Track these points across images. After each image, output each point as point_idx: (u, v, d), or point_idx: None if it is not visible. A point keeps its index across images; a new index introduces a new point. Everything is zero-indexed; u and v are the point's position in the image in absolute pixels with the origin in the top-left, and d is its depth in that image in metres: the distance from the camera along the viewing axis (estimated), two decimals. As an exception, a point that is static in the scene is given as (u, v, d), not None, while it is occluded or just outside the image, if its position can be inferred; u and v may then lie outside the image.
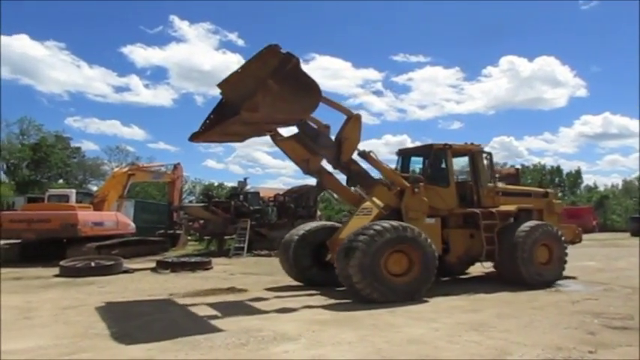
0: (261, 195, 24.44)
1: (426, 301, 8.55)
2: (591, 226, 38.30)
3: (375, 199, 9.93)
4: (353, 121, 9.56)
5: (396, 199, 10.05)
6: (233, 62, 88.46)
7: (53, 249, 16.11)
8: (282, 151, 9.54)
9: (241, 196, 22.09)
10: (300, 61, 7.97)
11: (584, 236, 14.42)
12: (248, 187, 24.75)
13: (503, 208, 11.08)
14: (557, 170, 69.46)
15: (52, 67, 79.15)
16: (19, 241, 16.88)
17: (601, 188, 66.32)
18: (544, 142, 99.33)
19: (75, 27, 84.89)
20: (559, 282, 10.65)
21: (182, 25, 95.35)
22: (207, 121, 8.79)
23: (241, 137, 9.65)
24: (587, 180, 72.28)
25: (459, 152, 11.29)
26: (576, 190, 67.25)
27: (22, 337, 6.29)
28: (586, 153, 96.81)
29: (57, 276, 12.68)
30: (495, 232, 10.53)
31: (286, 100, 7.99)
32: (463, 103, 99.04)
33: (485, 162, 11.29)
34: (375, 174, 10.43)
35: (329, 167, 9.95)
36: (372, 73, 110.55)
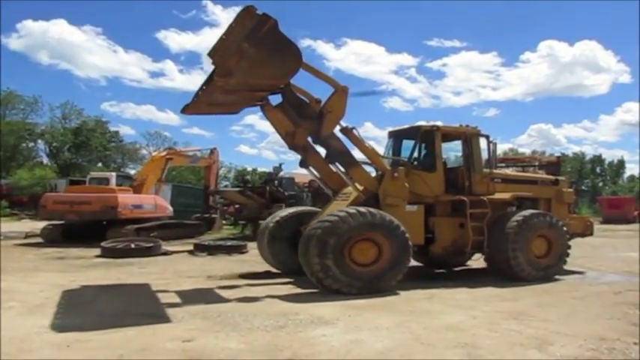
0: (296, 180, 24.53)
1: (463, 289, 8.47)
2: (632, 216, 37.43)
3: (356, 183, 9.41)
4: (339, 93, 8.95)
5: (377, 183, 9.45)
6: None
7: (94, 230, 16.56)
8: (270, 123, 9.17)
9: (276, 182, 22.23)
10: (278, 22, 7.37)
11: (625, 227, 14.00)
12: (283, 172, 24.86)
13: (497, 196, 10.18)
14: (599, 159, 67.53)
15: (89, 51, 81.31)
16: (62, 222, 17.39)
17: (644, 178, 64.14)
18: (583, 131, 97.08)
19: (110, 11, 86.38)
20: (598, 272, 10.41)
21: (215, 10, 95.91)
22: (199, 92, 8.55)
23: (231, 108, 9.34)
24: (630, 170, 70.13)
25: (450, 135, 10.43)
26: (618, 179, 65.27)
27: (66, 315, 6.51)
28: (628, 142, 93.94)
29: (98, 256, 13.04)
30: (485, 221, 9.65)
31: (263, 64, 7.55)
32: (500, 90, 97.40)
33: (484, 147, 10.37)
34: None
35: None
36: (405, 59, 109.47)
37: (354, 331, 5.73)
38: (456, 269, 11.52)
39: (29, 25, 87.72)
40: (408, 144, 10.52)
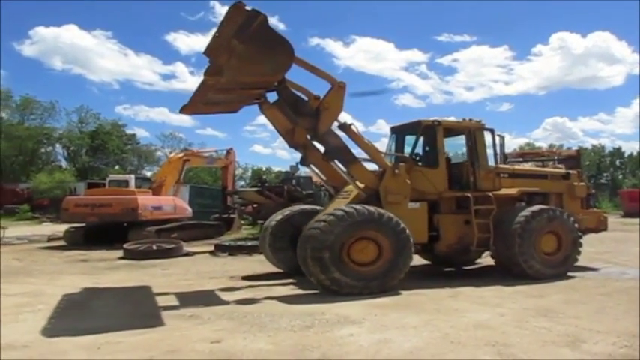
0: (313, 180, 24.52)
1: (489, 286, 8.38)
2: (652, 209, 36.71)
3: (357, 181, 9.17)
4: (336, 89, 8.71)
5: (378, 180, 9.16)
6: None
7: (114, 232, 16.71)
8: (269, 121, 9.03)
9: (294, 181, 22.25)
10: (267, 18, 7.16)
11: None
12: (299, 171, 24.86)
13: (503, 191, 9.90)
14: (618, 152, 66.59)
15: (101, 56, 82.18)
16: (83, 224, 17.59)
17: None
18: (599, 123, 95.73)
19: (118, 15, 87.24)
20: (624, 267, 10.24)
21: (222, 11, 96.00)
22: (196, 92, 8.40)
23: (229, 106, 9.20)
24: (650, 162, 68.90)
25: (453, 130, 10.19)
26: (638, 172, 64.27)
27: (94, 317, 6.58)
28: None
29: (120, 258, 13.17)
30: (491, 218, 9.39)
31: (253, 61, 7.35)
32: (512, 84, 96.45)
33: (491, 141, 10.07)
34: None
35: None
36: (416, 55, 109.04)
37: (382, 331, 5.71)
38: (466, 267, 11.22)
39: (41, 32, 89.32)
40: (410, 140, 10.29)
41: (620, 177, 67.78)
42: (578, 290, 8.15)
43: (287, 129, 8.93)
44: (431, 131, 9.75)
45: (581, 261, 11.35)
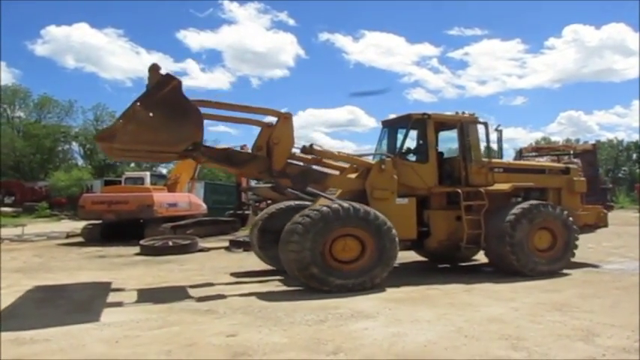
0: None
1: (503, 281, 8.37)
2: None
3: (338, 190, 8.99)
4: (282, 121, 8.52)
5: (361, 180, 8.99)
6: (286, 42, 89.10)
7: (131, 229, 16.93)
8: None
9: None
10: (182, 83, 6.76)
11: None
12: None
13: (496, 186, 9.57)
14: (636, 145, 65.65)
15: (112, 54, 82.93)
16: (100, 221, 17.82)
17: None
18: (616, 117, 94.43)
19: (128, 13, 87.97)
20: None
21: (232, 7, 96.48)
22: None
23: (148, 160, 8.84)
24: (669, 155, 67.87)
25: (445, 123, 9.89)
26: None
27: (112, 312, 6.68)
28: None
29: (137, 254, 13.34)
30: (482, 214, 9.13)
31: (154, 129, 6.91)
32: (526, 78, 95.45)
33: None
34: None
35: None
36: (427, 49, 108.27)
37: (396, 324, 5.75)
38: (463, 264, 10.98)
39: (53, 31, 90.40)
40: (402, 134, 9.88)
41: (638, 171, 66.82)
42: (594, 285, 8.11)
43: (239, 173, 8.70)
44: (421, 125, 9.53)
45: (598, 255, 11.34)
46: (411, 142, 9.96)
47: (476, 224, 9.13)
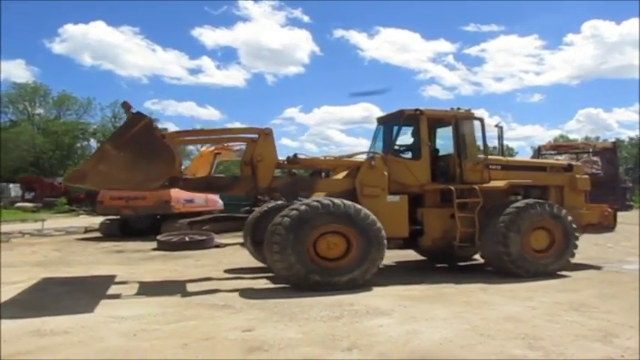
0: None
1: (519, 280, 8.29)
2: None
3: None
4: (262, 138, 8.49)
5: (349, 180, 8.86)
6: (301, 39, 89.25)
7: (148, 225, 17.11)
8: None
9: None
10: (154, 121, 6.74)
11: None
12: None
13: (492, 184, 9.31)
14: (657, 144, 64.53)
15: (129, 51, 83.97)
16: (117, 217, 18.04)
17: None
18: (636, 114, 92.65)
19: (143, 11, 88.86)
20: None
21: (246, 4, 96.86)
22: None
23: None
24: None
25: (440, 120, 9.65)
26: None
27: (130, 305, 6.77)
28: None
29: (154, 250, 13.49)
30: (477, 212, 8.88)
31: (125, 168, 6.94)
32: (544, 74, 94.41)
33: (483, 131, 9.48)
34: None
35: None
36: (443, 45, 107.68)
37: (411, 322, 5.74)
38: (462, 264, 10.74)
39: (70, 29, 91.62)
40: (399, 130, 9.69)
41: (659, 170, 65.71)
42: (612, 285, 8.01)
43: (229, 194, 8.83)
44: (414, 121, 9.31)
45: (617, 255, 11.18)
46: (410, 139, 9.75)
47: (470, 222, 8.90)
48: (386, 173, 8.81)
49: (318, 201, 7.81)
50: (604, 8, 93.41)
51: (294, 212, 7.61)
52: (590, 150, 22.85)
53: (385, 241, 7.96)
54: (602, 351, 4.76)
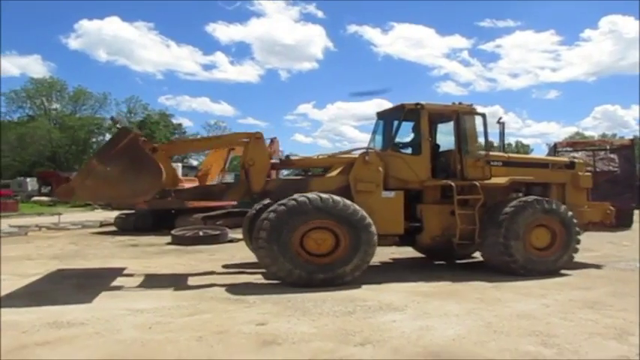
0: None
1: (532, 278, 8.24)
2: None
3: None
4: (253, 142, 8.50)
5: (343, 177, 8.70)
6: (315, 34, 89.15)
7: (163, 219, 17.26)
8: None
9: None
10: (139, 135, 6.78)
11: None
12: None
13: (492, 180, 9.10)
14: (675, 141, 63.56)
15: (143, 47, 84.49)
16: (132, 211, 18.22)
17: None
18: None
19: (159, 6, 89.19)
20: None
21: (260, 0, 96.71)
22: None
23: None
24: None
25: (441, 115, 9.42)
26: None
27: (145, 299, 6.85)
28: None
29: (168, 244, 13.62)
30: (477, 209, 8.73)
31: (112, 182, 6.99)
32: (560, 70, 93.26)
33: (485, 127, 9.27)
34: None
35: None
36: (458, 41, 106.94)
37: (424, 318, 5.75)
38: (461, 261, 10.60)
39: (85, 25, 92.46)
40: (400, 125, 9.44)
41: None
42: (628, 283, 7.93)
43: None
44: (414, 115, 9.13)
45: (633, 253, 11.05)
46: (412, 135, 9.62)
47: (470, 219, 8.74)
48: (381, 169, 8.67)
49: (305, 196, 7.69)
50: (622, 3, 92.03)
51: (282, 208, 7.58)
52: (608, 147, 22.52)
53: (376, 238, 7.84)
54: (618, 349, 4.73)
